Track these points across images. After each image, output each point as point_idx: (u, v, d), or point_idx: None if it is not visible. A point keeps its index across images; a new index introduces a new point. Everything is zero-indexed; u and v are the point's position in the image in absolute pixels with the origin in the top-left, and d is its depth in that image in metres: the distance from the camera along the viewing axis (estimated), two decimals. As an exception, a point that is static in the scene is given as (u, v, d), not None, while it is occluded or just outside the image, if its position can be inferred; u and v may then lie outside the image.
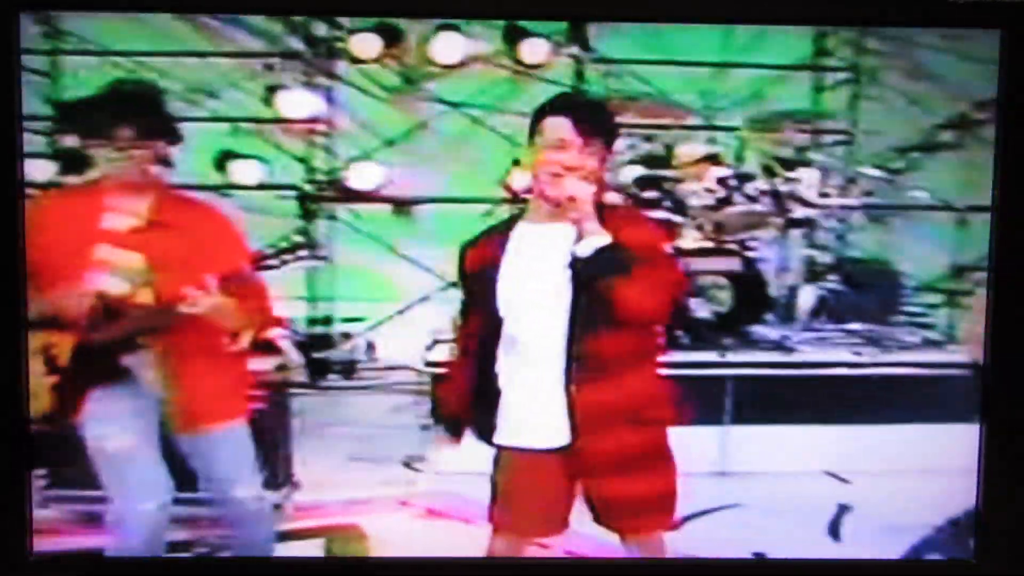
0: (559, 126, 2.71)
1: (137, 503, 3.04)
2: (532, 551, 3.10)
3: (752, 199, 4.79)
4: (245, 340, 3.05)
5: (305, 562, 3.47)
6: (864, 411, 4.41)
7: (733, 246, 4.77)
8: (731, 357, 4.51)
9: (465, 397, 2.87)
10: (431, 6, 3.37)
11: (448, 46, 5.11)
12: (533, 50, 5.20)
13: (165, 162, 3.10)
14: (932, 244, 5.30)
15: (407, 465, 4.43)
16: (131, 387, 3.04)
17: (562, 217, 2.66)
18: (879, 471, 4.24)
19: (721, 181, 4.82)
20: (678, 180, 4.91)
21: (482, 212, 5.09)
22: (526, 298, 2.72)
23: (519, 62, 5.20)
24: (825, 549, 3.80)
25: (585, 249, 2.58)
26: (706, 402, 4.15)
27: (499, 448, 2.83)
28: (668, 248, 2.99)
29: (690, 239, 4.71)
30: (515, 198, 5.24)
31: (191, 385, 3.06)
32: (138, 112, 3.04)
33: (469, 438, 2.93)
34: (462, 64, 5.16)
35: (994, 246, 3.17)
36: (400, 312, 5.21)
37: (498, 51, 5.22)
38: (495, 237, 2.83)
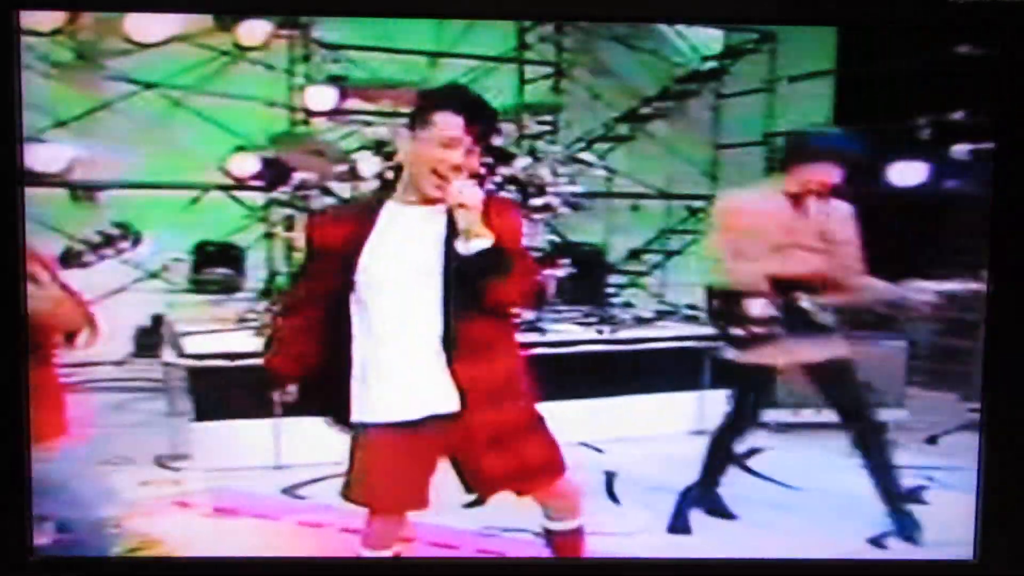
0: (451, 123, 2.69)
1: None
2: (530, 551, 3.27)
3: (500, 186, 4.96)
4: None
5: (306, 562, 3.42)
6: (608, 384, 4.83)
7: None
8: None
9: (314, 376, 2.86)
10: (431, 6, 3.24)
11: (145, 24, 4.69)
12: (252, 33, 5.05)
13: None
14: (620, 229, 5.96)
15: (163, 465, 4.31)
16: None
17: (433, 203, 2.71)
18: (627, 438, 4.66)
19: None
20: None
21: (190, 199, 5.11)
22: (395, 277, 2.72)
23: (236, 44, 5.05)
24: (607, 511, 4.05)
25: (468, 249, 2.64)
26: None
27: (359, 425, 2.81)
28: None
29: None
30: (240, 184, 5.18)
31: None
32: None
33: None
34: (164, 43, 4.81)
35: (994, 246, 3.18)
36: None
37: (206, 31, 4.97)
38: (357, 214, 2.81)
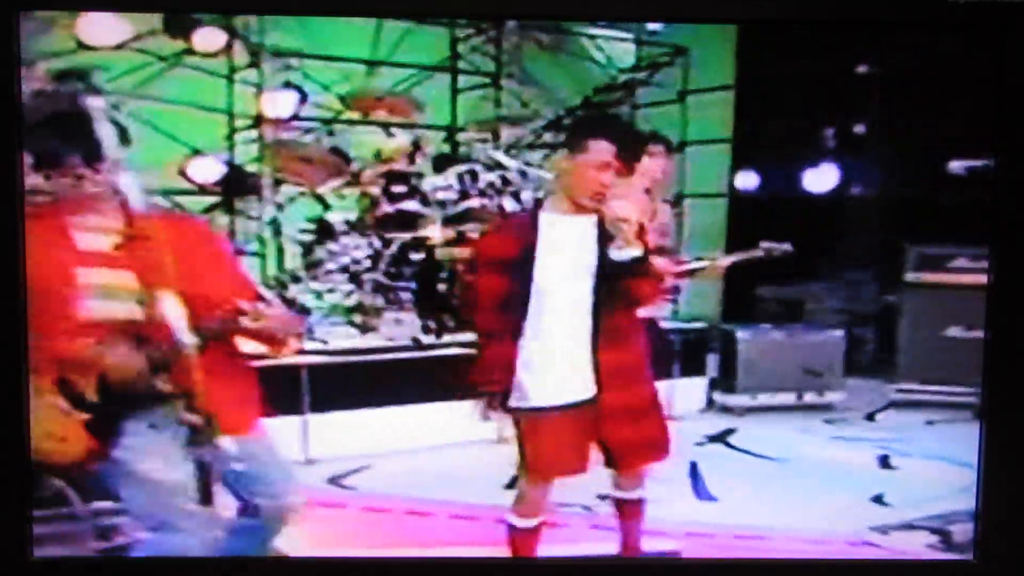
0: (604, 150, 3.08)
1: (188, 536, 2.92)
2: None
3: (484, 193, 5.20)
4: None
5: (305, 562, 3.38)
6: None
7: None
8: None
9: (504, 370, 3.17)
10: (431, 6, 3.31)
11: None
12: (206, 40, 5.07)
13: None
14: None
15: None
16: (163, 411, 2.91)
17: (584, 211, 3.11)
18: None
19: (460, 177, 5.20)
20: (421, 175, 5.18)
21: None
22: (562, 278, 3.12)
23: (189, 51, 5.04)
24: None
25: (622, 256, 3.07)
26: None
27: (526, 410, 3.17)
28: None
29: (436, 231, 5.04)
30: (202, 189, 5.16)
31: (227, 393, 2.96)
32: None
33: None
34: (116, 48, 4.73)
35: (995, 248, 3.21)
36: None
37: (156, 35, 4.94)
38: (519, 225, 3.25)
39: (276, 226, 5.20)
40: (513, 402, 3.18)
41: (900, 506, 4.04)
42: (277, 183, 5.23)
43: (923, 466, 4.34)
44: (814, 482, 4.32)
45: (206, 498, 2.96)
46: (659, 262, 3.74)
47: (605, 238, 3.11)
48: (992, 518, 3.25)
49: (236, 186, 5.18)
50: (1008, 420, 3.21)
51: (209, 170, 5.16)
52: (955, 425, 4.61)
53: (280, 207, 5.26)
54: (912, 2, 3.14)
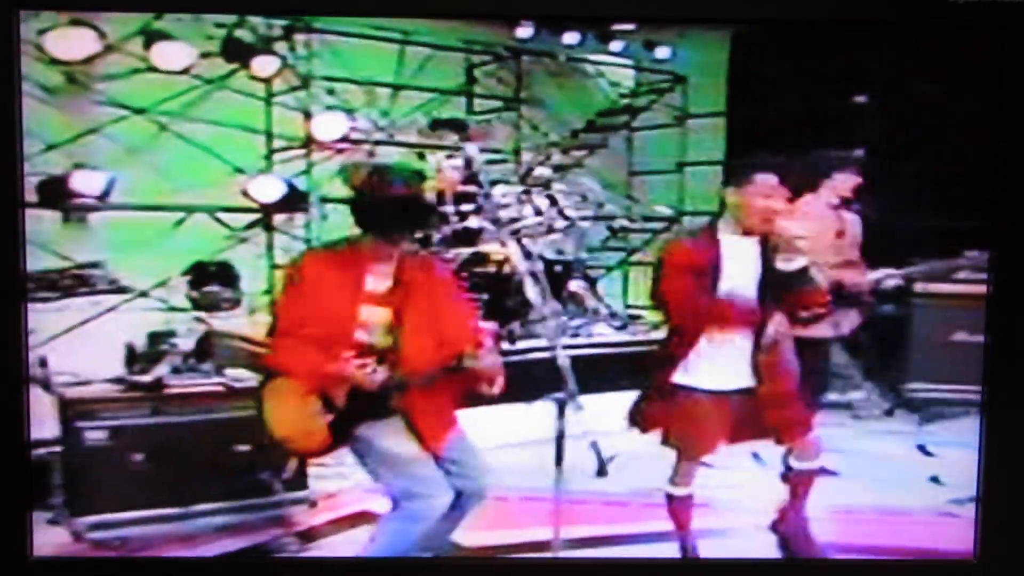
0: (769, 181, 3.53)
1: (429, 500, 3.34)
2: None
3: (538, 211, 5.54)
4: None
5: (306, 562, 3.58)
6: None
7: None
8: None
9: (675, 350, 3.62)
10: (431, 6, 3.45)
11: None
12: (264, 66, 5.37)
13: None
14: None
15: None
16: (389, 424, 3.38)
17: (754, 233, 3.55)
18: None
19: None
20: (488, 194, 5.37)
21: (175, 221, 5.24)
22: (736, 289, 3.55)
23: (251, 76, 5.33)
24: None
25: (790, 266, 3.50)
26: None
27: (686, 388, 3.60)
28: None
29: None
30: (263, 210, 5.46)
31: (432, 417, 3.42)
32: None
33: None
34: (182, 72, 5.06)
35: (996, 252, 3.34)
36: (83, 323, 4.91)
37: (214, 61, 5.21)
38: (705, 241, 3.60)
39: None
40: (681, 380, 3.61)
41: (956, 486, 4.21)
42: (323, 200, 5.47)
43: (957, 453, 4.33)
44: (870, 468, 4.66)
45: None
46: (849, 275, 4.43)
47: (771, 251, 3.53)
48: (992, 517, 3.33)
49: (290, 204, 5.47)
50: (1008, 421, 3.30)
51: (270, 189, 5.38)
52: (963, 420, 4.61)
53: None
54: (912, 2, 3.23)
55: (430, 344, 3.35)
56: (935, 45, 3.94)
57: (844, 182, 4.54)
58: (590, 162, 6.81)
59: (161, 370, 4.24)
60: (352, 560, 3.51)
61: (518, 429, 4.30)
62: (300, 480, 4.13)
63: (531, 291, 5.09)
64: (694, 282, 3.56)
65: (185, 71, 5.07)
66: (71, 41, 4.61)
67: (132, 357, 4.53)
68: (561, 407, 3.58)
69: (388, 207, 3.37)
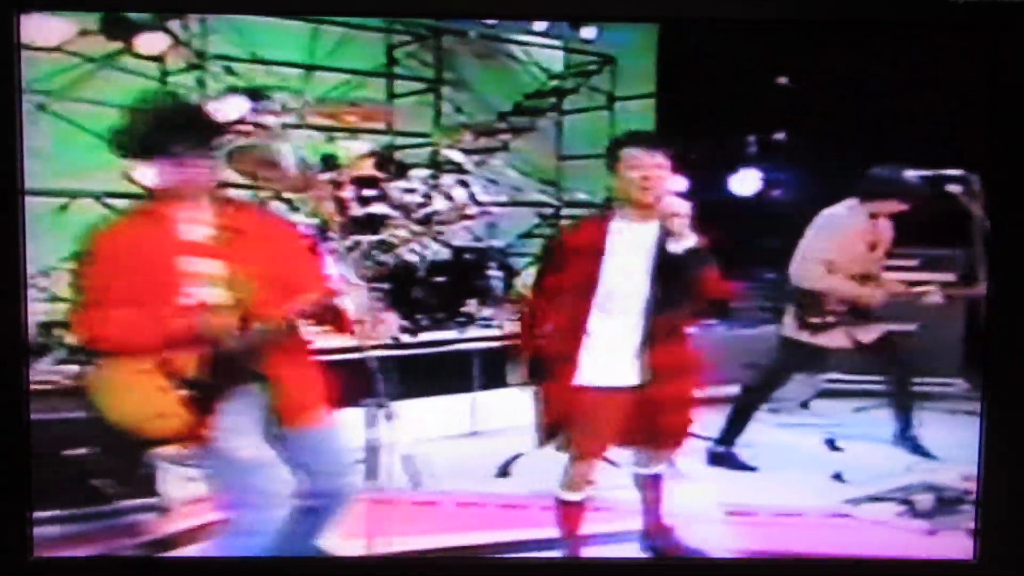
0: (636, 154, 3.39)
1: (269, 510, 3.10)
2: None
3: (448, 196, 5.37)
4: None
5: (306, 562, 3.36)
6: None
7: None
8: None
9: (558, 345, 3.47)
10: (432, 6, 3.38)
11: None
12: (150, 43, 5.03)
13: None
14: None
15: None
16: (252, 394, 3.13)
17: (649, 219, 3.37)
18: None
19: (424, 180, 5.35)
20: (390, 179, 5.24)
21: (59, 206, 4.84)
22: (622, 276, 3.40)
23: (134, 54, 4.99)
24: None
25: (678, 247, 3.29)
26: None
27: (580, 387, 3.43)
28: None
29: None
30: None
31: (299, 383, 3.19)
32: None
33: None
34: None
35: (997, 251, 3.32)
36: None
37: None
38: (597, 225, 3.46)
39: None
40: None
41: (857, 483, 4.32)
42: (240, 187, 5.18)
43: (864, 448, 4.65)
44: (777, 464, 4.60)
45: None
46: (869, 287, 4.48)
47: (664, 237, 3.35)
48: (992, 517, 3.34)
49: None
50: (1008, 422, 3.31)
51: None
52: (880, 411, 4.88)
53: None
54: (911, 2, 3.25)
55: (277, 293, 3.07)
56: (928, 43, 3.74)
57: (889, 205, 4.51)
58: (518, 146, 6.56)
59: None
60: (352, 560, 3.45)
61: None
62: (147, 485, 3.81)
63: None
64: (578, 268, 3.42)
65: (57, 48, 4.70)
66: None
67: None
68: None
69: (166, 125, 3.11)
